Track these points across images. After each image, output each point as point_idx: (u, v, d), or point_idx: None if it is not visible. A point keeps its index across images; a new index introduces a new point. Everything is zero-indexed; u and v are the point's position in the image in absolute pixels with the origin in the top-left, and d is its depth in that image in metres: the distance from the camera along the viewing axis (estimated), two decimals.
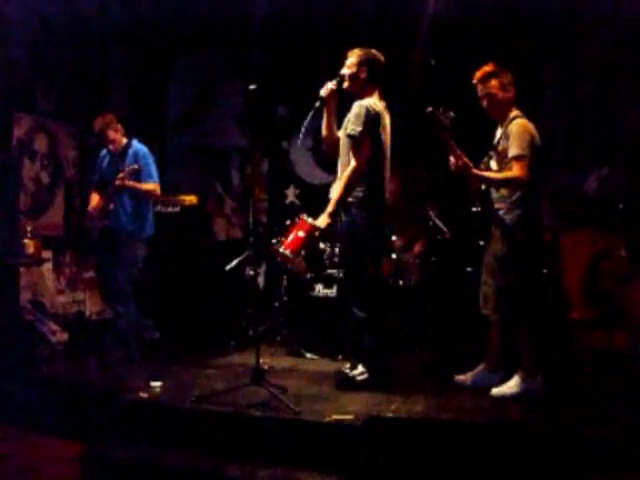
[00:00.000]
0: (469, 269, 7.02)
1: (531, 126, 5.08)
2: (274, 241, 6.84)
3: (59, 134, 8.31)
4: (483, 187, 5.21)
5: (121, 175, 6.35)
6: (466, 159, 4.98)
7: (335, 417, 4.51)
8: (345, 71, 5.50)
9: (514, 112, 5.16)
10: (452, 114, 4.95)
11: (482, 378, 5.30)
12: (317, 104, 5.47)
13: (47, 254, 7.84)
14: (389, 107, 5.55)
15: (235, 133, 9.17)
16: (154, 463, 4.62)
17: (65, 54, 8.20)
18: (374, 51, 5.53)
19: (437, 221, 7.15)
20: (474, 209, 5.33)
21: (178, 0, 7.96)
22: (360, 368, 5.44)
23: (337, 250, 6.90)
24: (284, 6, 7.90)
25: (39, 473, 4.81)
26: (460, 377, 5.42)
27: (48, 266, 7.98)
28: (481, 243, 5.45)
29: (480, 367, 5.35)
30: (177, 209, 7.62)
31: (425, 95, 7.23)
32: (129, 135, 6.74)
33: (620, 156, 7.30)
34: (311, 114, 5.48)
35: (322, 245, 6.99)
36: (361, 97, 5.45)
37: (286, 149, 8.93)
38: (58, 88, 8.22)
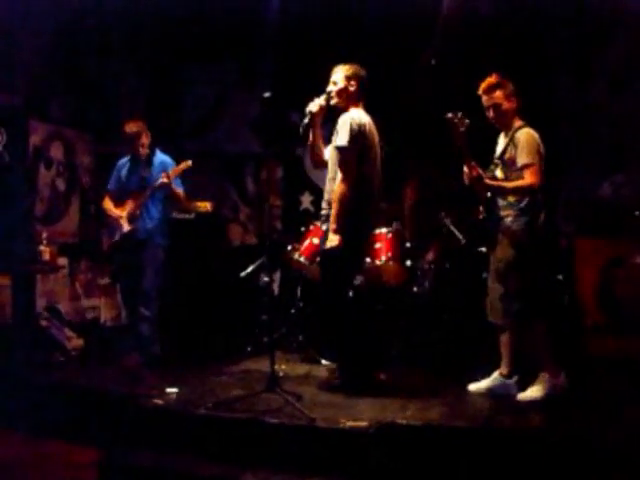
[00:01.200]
0: (484, 275, 7.01)
1: (536, 135, 5.14)
2: (289, 248, 6.86)
3: (75, 142, 8.37)
4: (489, 194, 5.23)
5: (165, 174, 6.43)
6: (479, 170, 5.02)
7: (349, 424, 4.51)
8: (332, 87, 5.58)
9: (519, 121, 5.23)
10: (468, 121, 4.98)
11: (499, 385, 5.29)
12: (306, 120, 5.52)
13: (63, 261, 7.90)
14: (396, 114, 5.61)
15: (250, 140, 9.18)
16: (169, 469, 4.64)
17: (80, 62, 8.25)
18: (358, 65, 5.65)
19: (452, 228, 7.14)
20: (480, 216, 5.35)
21: (192, 8, 7.98)
22: (336, 373, 5.69)
23: None
24: (297, 13, 7.93)
25: (55, 479, 4.83)
26: (474, 385, 5.41)
27: (64, 273, 8.03)
28: (483, 250, 5.47)
29: (495, 374, 5.35)
30: (192, 216, 7.64)
31: (436, 100, 7.23)
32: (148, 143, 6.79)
33: (635, 162, 7.28)
34: (301, 131, 5.55)
35: None
36: (347, 109, 5.55)
37: (300, 156, 8.93)
38: (74, 96, 8.27)
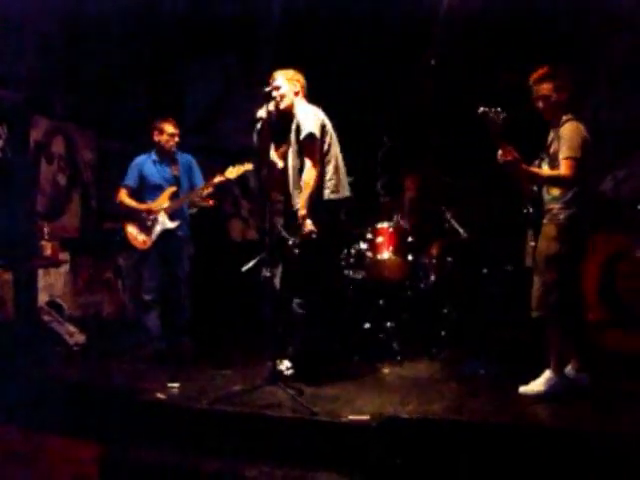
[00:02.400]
0: (485, 270, 7.01)
1: (583, 128, 5.10)
2: (290, 242, 6.85)
3: (76, 137, 8.38)
4: (535, 188, 5.24)
5: (220, 177, 6.66)
6: (515, 154, 5.00)
7: (351, 418, 4.52)
8: (276, 93, 5.67)
9: (568, 114, 5.17)
10: (504, 114, 4.97)
11: (573, 378, 5.27)
12: (258, 126, 5.55)
13: (64, 256, 7.90)
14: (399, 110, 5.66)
15: (251, 135, 9.16)
16: (171, 464, 4.65)
17: (82, 58, 8.25)
18: (300, 74, 5.85)
19: (454, 223, 7.14)
20: (525, 210, 5.36)
21: (194, 3, 7.98)
22: (287, 363, 5.73)
23: (353, 252, 6.91)
24: (299, 9, 7.93)
25: (56, 474, 4.83)
26: (525, 388, 5.25)
27: (65, 268, 8.04)
28: (532, 244, 5.46)
29: (567, 368, 5.32)
30: (194, 210, 7.64)
31: (437, 96, 7.24)
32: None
33: (637, 157, 7.27)
34: (255, 137, 5.59)
35: None
36: (290, 110, 5.75)
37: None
38: (75, 91, 8.27)
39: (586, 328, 6.13)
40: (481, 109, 4.97)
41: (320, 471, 4.31)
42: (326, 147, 5.69)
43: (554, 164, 5.12)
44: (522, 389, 5.13)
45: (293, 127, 5.71)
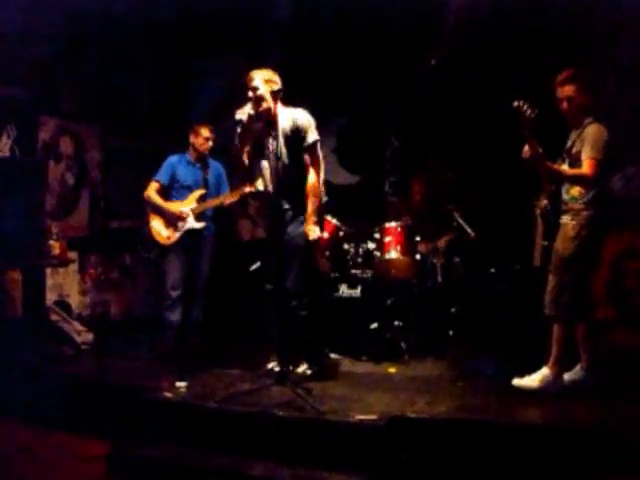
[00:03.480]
0: (493, 270, 7.00)
1: (606, 131, 5.14)
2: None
3: (84, 136, 8.39)
4: (553, 187, 5.24)
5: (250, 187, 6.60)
6: (540, 150, 5.05)
7: (359, 417, 4.51)
8: (254, 93, 5.58)
9: (590, 117, 5.21)
10: (536, 109, 4.98)
11: (582, 378, 5.28)
12: (239, 130, 5.51)
13: (73, 255, 7.90)
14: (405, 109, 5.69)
15: None
16: (179, 462, 4.65)
17: (89, 57, 8.26)
18: (276, 73, 5.74)
19: (461, 222, 7.12)
20: (539, 210, 5.37)
21: (200, 2, 7.98)
22: (304, 365, 5.79)
23: (361, 251, 6.91)
24: (306, 7, 7.91)
25: (64, 471, 4.84)
26: (519, 380, 5.28)
27: (74, 267, 8.05)
28: (545, 243, 5.45)
29: (576, 368, 5.31)
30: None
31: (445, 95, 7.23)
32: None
33: None
34: (237, 141, 5.59)
35: (346, 246, 7.00)
36: (270, 112, 5.66)
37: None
38: (83, 91, 8.28)
39: (594, 328, 6.13)
40: (515, 103, 5.01)
41: (327, 470, 4.31)
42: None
43: (575, 165, 5.15)
44: (516, 381, 5.16)
45: (282, 128, 5.65)
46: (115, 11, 7.94)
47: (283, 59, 8.55)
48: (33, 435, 5.35)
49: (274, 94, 5.63)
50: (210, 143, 7.00)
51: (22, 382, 5.88)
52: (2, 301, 7.16)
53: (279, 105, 5.69)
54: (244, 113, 5.45)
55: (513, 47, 5.36)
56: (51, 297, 7.68)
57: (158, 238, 6.89)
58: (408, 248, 6.81)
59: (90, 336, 7.40)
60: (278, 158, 5.57)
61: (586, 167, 5.01)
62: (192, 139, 6.99)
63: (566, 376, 5.31)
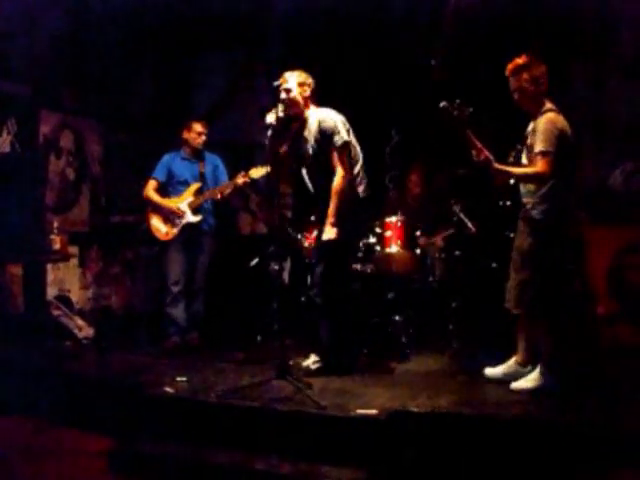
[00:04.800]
0: (494, 265, 6.99)
1: (561, 120, 5.01)
2: (299, 236, 6.85)
3: (85, 131, 8.39)
4: (512, 181, 5.19)
5: (244, 177, 6.74)
6: (487, 153, 4.96)
7: (359, 412, 4.51)
8: (286, 95, 5.61)
9: (546, 106, 5.09)
10: (470, 108, 4.93)
11: (513, 372, 5.26)
12: (268, 132, 5.51)
13: (73, 250, 7.91)
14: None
15: (260, 129, 9.16)
16: (180, 457, 4.66)
17: (91, 52, 8.26)
18: (304, 71, 5.77)
19: (462, 216, 7.12)
20: (501, 203, 5.32)
21: None
22: (313, 357, 5.76)
23: (362, 245, 6.91)
24: (306, 3, 7.91)
25: (66, 466, 4.84)
26: (490, 370, 5.40)
27: (74, 262, 8.05)
28: (511, 235, 5.42)
29: (511, 361, 5.32)
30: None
31: (448, 90, 7.20)
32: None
33: None
34: (267, 143, 5.55)
35: None
36: (301, 114, 5.74)
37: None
38: (84, 86, 8.28)
39: (595, 322, 6.13)
40: (442, 104, 4.96)
41: (328, 465, 4.31)
42: (353, 149, 5.77)
43: (530, 155, 5.05)
44: (513, 385, 5.09)
45: (311, 130, 5.69)
46: (116, 7, 7.94)
47: (283, 55, 8.56)
48: (34, 431, 5.37)
49: (306, 99, 5.71)
50: (203, 138, 7.07)
51: (23, 378, 5.89)
52: (3, 296, 7.17)
53: (312, 107, 5.74)
54: (273, 116, 5.48)
55: (513, 45, 5.34)
56: (52, 292, 7.69)
57: (157, 234, 6.95)
58: (409, 242, 6.82)
59: (91, 331, 7.41)
60: (310, 160, 5.70)
61: (539, 165, 4.86)
62: (185, 135, 7.07)
63: (499, 368, 5.35)
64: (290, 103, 5.61)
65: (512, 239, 5.33)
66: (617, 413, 4.59)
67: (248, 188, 7.02)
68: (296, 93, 5.65)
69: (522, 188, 5.15)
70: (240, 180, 6.71)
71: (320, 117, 5.67)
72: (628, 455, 4.11)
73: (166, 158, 7.13)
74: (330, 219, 5.57)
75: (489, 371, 5.41)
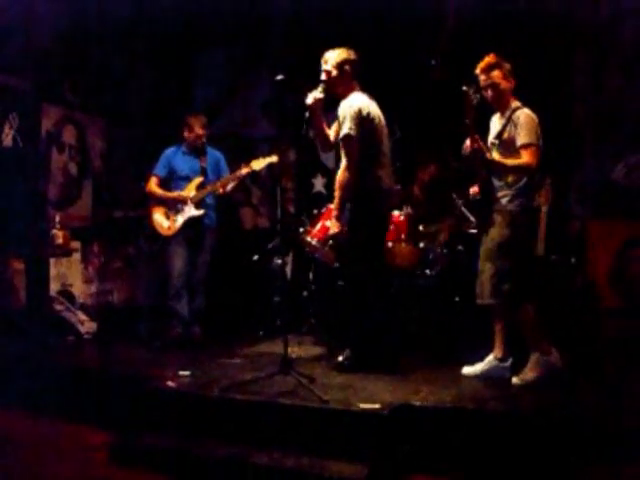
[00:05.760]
0: None
1: (535, 116, 5.12)
2: (301, 230, 6.86)
3: (87, 126, 8.39)
4: (485, 174, 5.23)
5: (246, 166, 6.73)
6: (481, 143, 5.05)
7: (362, 406, 4.50)
8: (325, 76, 5.57)
9: (516, 102, 5.21)
10: (479, 95, 4.99)
11: (493, 368, 5.28)
12: (307, 114, 5.51)
13: (76, 244, 7.92)
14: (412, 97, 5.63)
15: (262, 123, 9.18)
16: (182, 451, 4.65)
17: (93, 47, 8.26)
18: (347, 49, 5.64)
19: (464, 210, 7.11)
20: (476, 197, 5.35)
21: None
22: (347, 353, 5.63)
23: None
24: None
25: (67, 460, 4.85)
26: (469, 369, 5.40)
27: (77, 256, 8.06)
28: (474, 231, 5.47)
29: (489, 357, 5.33)
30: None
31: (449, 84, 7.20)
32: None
33: None
34: (305, 126, 5.57)
35: None
36: (345, 95, 5.56)
37: (313, 138, 8.88)
38: (86, 80, 8.28)
39: (598, 316, 6.13)
40: (465, 87, 4.99)
41: (331, 459, 4.30)
42: (374, 135, 5.56)
43: (508, 151, 5.12)
44: (515, 380, 5.11)
45: (337, 119, 5.62)
46: (117, 2, 7.94)
47: (283, 51, 8.56)
48: (36, 424, 5.38)
49: (345, 79, 5.58)
50: (202, 133, 7.01)
51: (25, 371, 5.90)
52: (6, 291, 7.18)
53: (350, 93, 5.58)
54: (312, 98, 5.48)
55: (513, 43, 5.34)
56: (54, 287, 7.69)
57: (160, 229, 6.93)
58: (411, 237, 6.81)
59: (93, 326, 7.42)
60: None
61: (527, 156, 4.98)
62: (185, 133, 7.03)
63: (478, 366, 5.36)
64: (329, 84, 5.55)
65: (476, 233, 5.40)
66: (618, 407, 4.59)
67: (250, 182, 7.01)
68: (335, 73, 5.54)
69: (497, 182, 5.22)
70: (243, 171, 6.71)
71: (342, 103, 5.55)
72: (628, 450, 4.11)
73: (166, 153, 7.11)
74: (334, 211, 5.53)
75: (467, 369, 5.41)
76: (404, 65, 7.77)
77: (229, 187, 6.86)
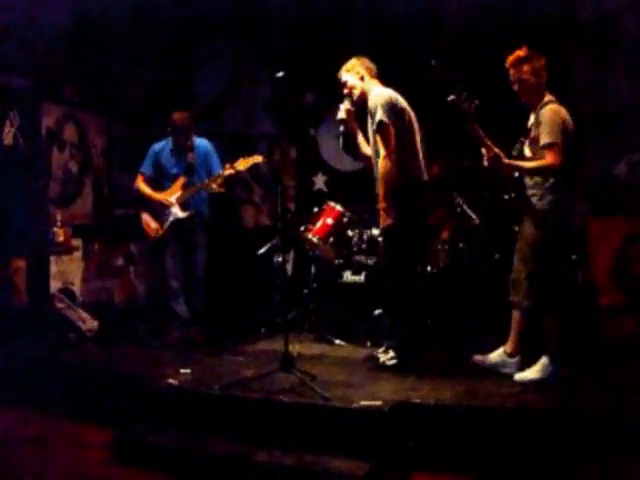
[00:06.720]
0: (497, 256, 6.98)
1: (563, 111, 5.02)
2: (302, 228, 6.86)
3: (87, 124, 8.38)
4: (516, 174, 5.17)
5: (230, 166, 6.65)
6: (496, 150, 4.95)
7: (363, 403, 4.50)
8: (346, 89, 5.64)
9: (547, 97, 5.09)
10: (476, 101, 4.92)
11: (501, 361, 5.27)
12: (342, 128, 5.57)
13: (77, 242, 7.92)
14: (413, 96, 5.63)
15: (263, 120, 9.17)
16: (182, 449, 4.66)
17: (93, 45, 8.25)
18: (360, 58, 5.70)
19: (465, 208, 7.11)
20: (506, 196, 5.30)
21: None
22: (391, 353, 5.58)
23: (365, 237, 6.90)
24: None
25: (69, 457, 4.86)
26: (478, 357, 5.41)
27: (78, 254, 8.05)
28: (515, 229, 5.41)
29: (499, 350, 5.32)
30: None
31: (451, 83, 7.20)
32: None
33: None
34: (341, 140, 5.64)
35: (350, 232, 6.98)
36: (367, 95, 5.60)
37: (314, 136, 8.90)
38: (86, 78, 8.27)
39: (598, 313, 6.12)
40: (450, 97, 4.91)
41: (332, 456, 4.31)
42: (405, 124, 5.54)
43: (536, 148, 5.04)
44: (517, 376, 5.10)
45: (369, 110, 5.59)
46: (117, 2, 7.94)
47: (283, 46, 8.55)
48: (37, 422, 5.38)
49: (360, 79, 5.61)
50: (188, 127, 6.90)
51: (27, 370, 5.91)
52: (7, 289, 7.18)
53: (374, 88, 5.60)
54: (343, 112, 5.55)
55: (513, 43, 5.33)
56: (55, 285, 7.69)
57: (148, 231, 6.89)
58: None
59: (95, 323, 7.40)
60: (371, 141, 5.63)
61: (548, 157, 4.87)
62: (170, 129, 6.93)
63: (488, 357, 5.37)
64: (351, 91, 5.61)
65: (516, 232, 5.32)
66: (619, 404, 4.58)
67: (252, 180, 6.98)
68: (352, 80, 5.60)
69: (528, 180, 5.13)
70: (226, 172, 6.63)
71: (371, 95, 5.55)
72: (629, 447, 4.11)
73: (153, 149, 7.02)
74: (381, 203, 5.45)
75: (476, 358, 5.42)
76: (404, 65, 7.75)
77: (210, 188, 6.74)
